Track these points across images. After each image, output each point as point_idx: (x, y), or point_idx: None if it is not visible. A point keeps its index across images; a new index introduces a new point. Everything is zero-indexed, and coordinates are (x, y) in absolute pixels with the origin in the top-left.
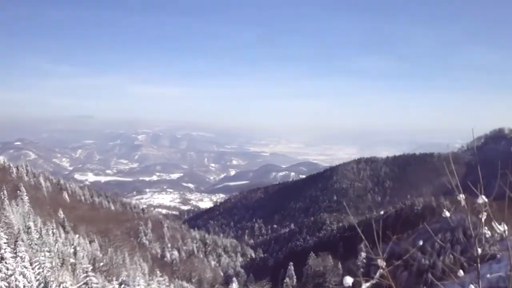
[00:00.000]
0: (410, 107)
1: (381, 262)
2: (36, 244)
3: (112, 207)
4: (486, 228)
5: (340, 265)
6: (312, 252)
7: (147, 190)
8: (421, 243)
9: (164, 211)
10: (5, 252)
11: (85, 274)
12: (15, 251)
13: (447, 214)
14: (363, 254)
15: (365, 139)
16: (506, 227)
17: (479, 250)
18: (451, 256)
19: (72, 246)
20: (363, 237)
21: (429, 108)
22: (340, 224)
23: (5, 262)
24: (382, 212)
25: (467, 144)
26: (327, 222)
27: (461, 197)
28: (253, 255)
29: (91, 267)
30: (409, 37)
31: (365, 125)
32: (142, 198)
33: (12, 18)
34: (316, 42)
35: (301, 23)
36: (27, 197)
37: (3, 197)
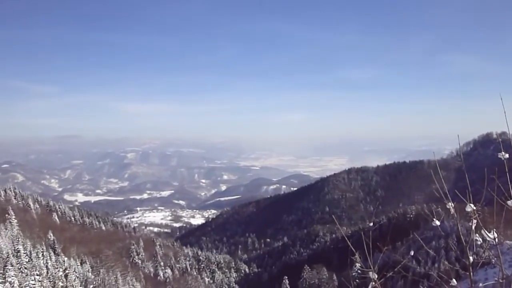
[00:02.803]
0: (397, 116)
1: (372, 275)
2: (26, 268)
3: (103, 227)
4: (477, 235)
5: (335, 277)
6: (306, 265)
7: (138, 208)
8: (412, 253)
9: (156, 229)
10: None
11: None
12: (4, 276)
13: (437, 223)
14: (358, 265)
15: (354, 149)
16: (496, 234)
17: (471, 258)
18: (446, 263)
19: (63, 268)
20: (353, 250)
21: (416, 115)
22: (334, 235)
23: None
24: (371, 224)
25: (456, 150)
26: (321, 234)
27: (450, 205)
28: (247, 270)
29: None
30: (393, 46)
31: (353, 135)
32: (133, 217)
33: None
34: (300, 54)
35: (284, 36)
36: (15, 220)
37: None
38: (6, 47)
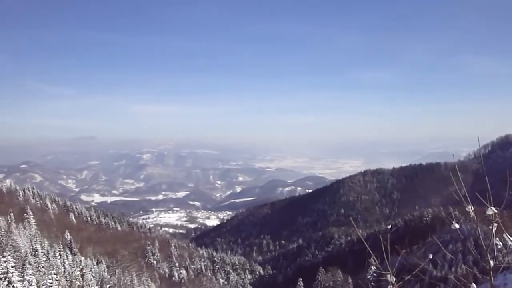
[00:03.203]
0: (412, 118)
1: (390, 278)
2: (43, 267)
3: (119, 228)
4: (497, 238)
5: (350, 280)
6: (321, 267)
7: (154, 209)
8: (430, 256)
9: (171, 230)
10: (12, 275)
11: None
12: (22, 274)
13: (456, 226)
14: (373, 268)
15: (369, 151)
16: None
17: (491, 262)
18: (463, 267)
19: (79, 268)
20: (371, 252)
21: (433, 117)
22: (349, 238)
23: (13, 286)
24: (389, 226)
25: (474, 152)
26: (336, 236)
27: (470, 208)
28: (261, 272)
29: None
30: (409, 46)
31: (368, 137)
32: (148, 218)
33: (12, 43)
34: (317, 55)
35: (301, 37)
36: (34, 220)
37: (10, 220)
38: (24, 48)
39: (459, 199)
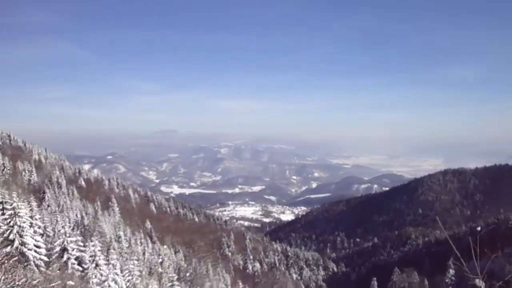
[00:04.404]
0: (495, 116)
1: (479, 283)
2: (125, 253)
3: (196, 219)
4: None
5: (426, 282)
6: (396, 268)
7: (230, 202)
8: None
9: (246, 223)
10: (99, 259)
11: (171, 283)
12: (107, 258)
13: None
14: (452, 271)
15: (449, 150)
16: None
17: None
18: None
19: (159, 256)
20: (458, 254)
21: None
22: (426, 238)
23: (100, 269)
24: (479, 228)
25: None
26: (412, 237)
27: None
28: (335, 269)
29: (176, 277)
30: (490, 44)
31: (448, 136)
32: (224, 210)
33: (103, 42)
34: (397, 53)
35: (383, 34)
36: (117, 208)
37: (96, 208)
38: (114, 47)
39: None
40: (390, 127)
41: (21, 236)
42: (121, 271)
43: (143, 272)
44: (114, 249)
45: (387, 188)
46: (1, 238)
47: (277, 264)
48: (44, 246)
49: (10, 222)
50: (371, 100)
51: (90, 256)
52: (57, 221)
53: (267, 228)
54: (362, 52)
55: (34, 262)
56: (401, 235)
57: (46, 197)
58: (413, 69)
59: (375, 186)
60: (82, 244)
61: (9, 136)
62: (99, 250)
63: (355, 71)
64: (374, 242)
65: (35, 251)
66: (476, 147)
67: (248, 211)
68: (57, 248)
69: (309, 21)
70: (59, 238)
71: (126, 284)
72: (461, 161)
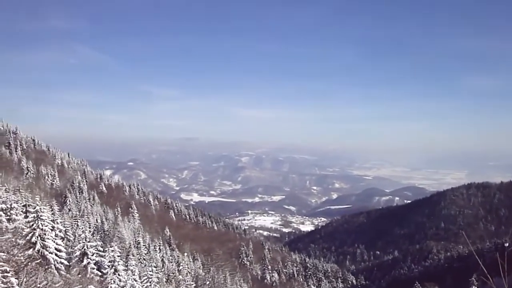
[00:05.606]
0: None
1: None
2: (144, 259)
3: (215, 227)
4: None
5: None
6: (417, 282)
7: (249, 211)
8: None
9: (265, 233)
10: (118, 264)
11: None
12: (126, 264)
13: None
14: None
15: (473, 163)
16: None
17: None
18: None
19: (177, 263)
20: (484, 269)
21: None
22: (448, 253)
23: (118, 274)
24: (507, 244)
25: None
26: (434, 251)
27: None
28: (354, 281)
29: (194, 285)
30: None
31: (472, 148)
32: (244, 219)
33: (126, 48)
34: (419, 62)
35: (406, 43)
36: (137, 214)
37: (117, 213)
38: (137, 53)
39: None
40: (413, 138)
41: (43, 239)
42: (140, 277)
43: (162, 279)
44: (133, 255)
45: (408, 201)
46: (24, 241)
47: (296, 275)
48: (64, 250)
49: (33, 225)
50: (393, 110)
51: (109, 261)
52: (77, 225)
53: (286, 238)
54: (385, 62)
55: (54, 265)
56: (422, 249)
57: (67, 201)
58: (437, 79)
59: (397, 198)
60: (101, 249)
61: (33, 140)
62: (118, 256)
63: (381, 80)
64: (395, 255)
65: (56, 254)
66: (502, 160)
67: (268, 221)
68: (77, 252)
69: (332, 30)
70: (79, 243)
71: None
72: (486, 174)
